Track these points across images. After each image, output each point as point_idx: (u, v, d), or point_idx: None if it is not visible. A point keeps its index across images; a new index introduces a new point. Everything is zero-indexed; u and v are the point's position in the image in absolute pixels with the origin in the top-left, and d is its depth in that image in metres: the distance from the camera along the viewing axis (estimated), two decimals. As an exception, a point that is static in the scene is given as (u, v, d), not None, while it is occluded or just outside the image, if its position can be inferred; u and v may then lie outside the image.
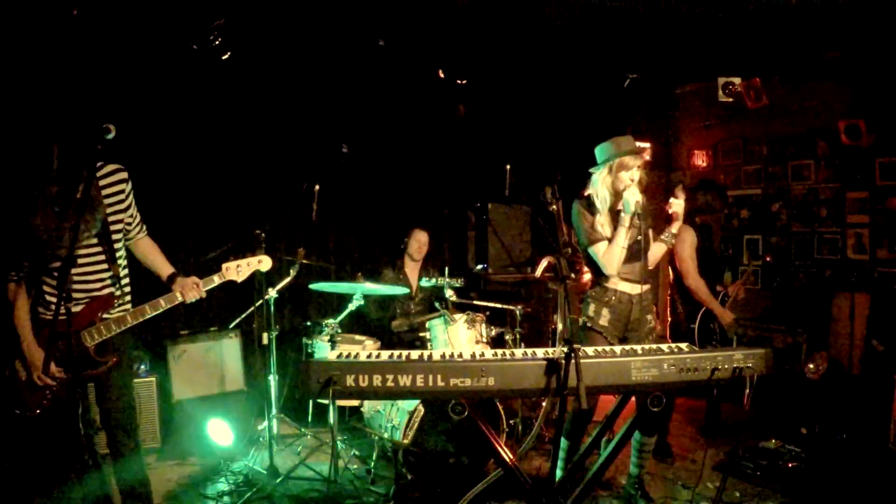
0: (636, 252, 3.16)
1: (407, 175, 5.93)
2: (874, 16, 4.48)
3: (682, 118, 6.88)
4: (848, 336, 5.15)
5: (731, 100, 5.85)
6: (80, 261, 2.63)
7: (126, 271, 2.82)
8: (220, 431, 4.13)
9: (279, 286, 4.16)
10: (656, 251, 3.37)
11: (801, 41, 5.10)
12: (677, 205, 3.31)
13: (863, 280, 5.19)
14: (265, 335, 4.06)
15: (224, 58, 4.55)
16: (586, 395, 2.03)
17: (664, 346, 2.43)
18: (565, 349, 2.10)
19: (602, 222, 3.19)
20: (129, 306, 2.82)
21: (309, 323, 4.76)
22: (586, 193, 3.27)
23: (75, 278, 2.63)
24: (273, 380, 4.09)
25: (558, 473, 2.75)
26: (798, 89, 5.64)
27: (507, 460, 2.46)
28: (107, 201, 2.69)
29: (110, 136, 2.60)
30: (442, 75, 5.48)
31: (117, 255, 2.76)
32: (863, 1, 4.26)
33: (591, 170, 3.29)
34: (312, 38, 4.94)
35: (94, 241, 2.67)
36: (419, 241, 5.11)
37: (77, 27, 3.88)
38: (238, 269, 3.03)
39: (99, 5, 4.01)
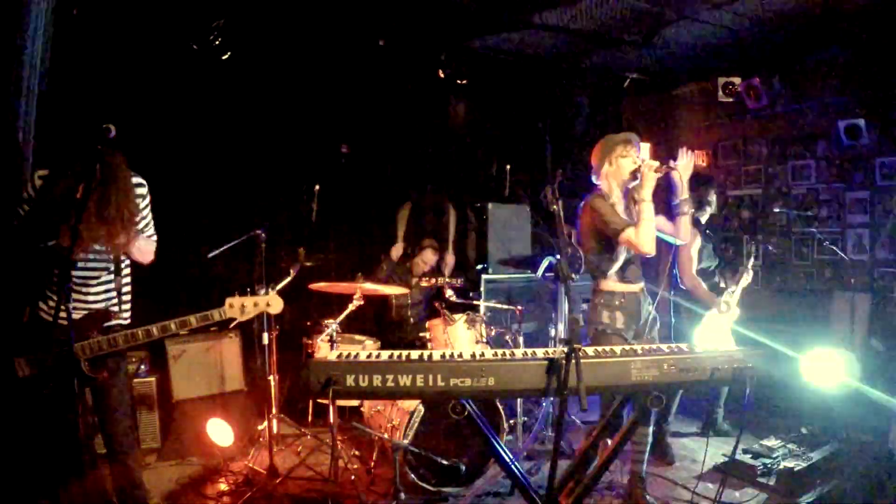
0: (632, 254, 3.20)
1: (407, 175, 5.93)
2: (874, 15, 4.48)
3: (681, 118, 6.88)
4: (848, 336, 5.14)
5: (731, 100, 5.86)
6: (83, 264, 2.62)
7: (128, 280, 2.81)
8: (220, 431, 4.13)
9: (279, 286, 4.15)
10: (685, 224, 3.35)
11: (801, 41, 5.10)
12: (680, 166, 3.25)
13: (863, 280, 5.18)
14: (265, 335, 4.06)
15: (224, 58, 4.56)
16: (587, 395, 2.03)
17: (664, 346, 2.43)
18: (565, 349, 2.10)
19: (619, 210, 3.20)
20: (127, 316, 2.81)
21: (309, 323, 4.76)
22: (599, 192, 3.27)
23: (77, 281, 2.63)
24: (273, 380, 4.09)
25: (558, 473, 2.75)
26: (798, 89, 5.64)
27: (507, 460, 2.46)
28: None
29: (110, 136, 2.61)
30: (442, 75, 5.49)
31: (122, 266, 2.75)
32: (863, 1, 4.27)
33: (592, 178, 3.34)
34: (312, 38, 4.94)
35: (102, 248, 2.66)
36: (425, 261, 5.23)
37: (77, 28, 3.88)
38: (243, 309, 2.81)
39: (99, 6, 4.02)
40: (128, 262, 2.81)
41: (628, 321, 3.21)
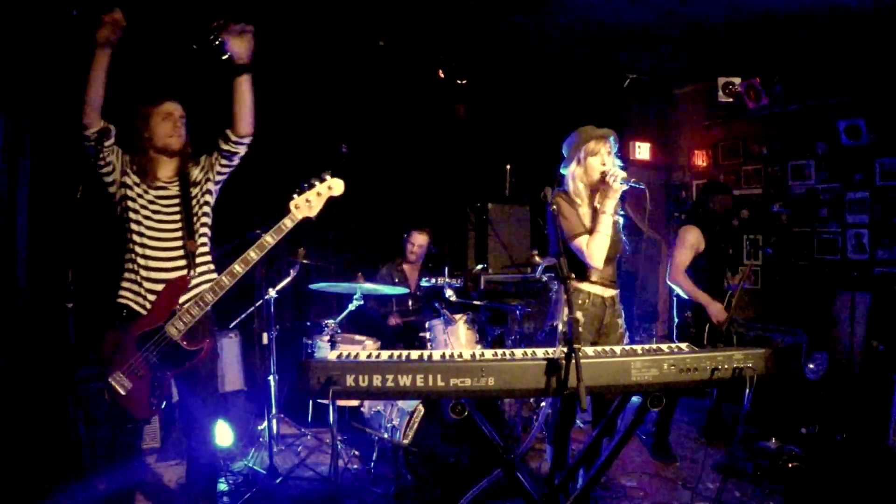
0: (610, 255, 3.07)
1: (407, 175, 5.93)
2: (875, 16, 4.49)
3: (681, 118, 6.89)
4: (848, 336, 5.15)
5: (731, 100, 5.86)
6: (151, 234, 2.61)
7: (205, 240, 2.76)
8: (220, 431, 4.13)
9: (279, 286, 4.16)
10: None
11: (801, 41, 5.10)
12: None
13: (863, 280, 5.19)
14: (265, 335, 4.06)
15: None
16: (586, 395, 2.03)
17: (664, 346, 2.43)
18: (565, 349, 2.10)
19: (584, 214, 3.09)
20: (208, 278, 2.71)
21: (309, 323, 4.76)
22: (564, 190, 3.15)
23: (147, 252, 2.61)
24: (273, 380, 4.09)
25: (558, 474, 2.75)
26: (798, 89, 5.64)
27: (507, 460, 2.46)
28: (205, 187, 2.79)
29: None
30: (442, 75, 5.49)
31: (196, 230, 2.70)
32: (863, 2, 4.27)
33: (561, 169, 3.20)
34: (312, 38, 4.94)
35: (177, 215, 2.68)
36: (415, 244, 5.12)
37: (77, 28, 3.87)
38: (310, 204, 2.79)
39: (98, 6, 4.01)
40: (204, 219, 2.76)
41: (586, 324, 3.09)
